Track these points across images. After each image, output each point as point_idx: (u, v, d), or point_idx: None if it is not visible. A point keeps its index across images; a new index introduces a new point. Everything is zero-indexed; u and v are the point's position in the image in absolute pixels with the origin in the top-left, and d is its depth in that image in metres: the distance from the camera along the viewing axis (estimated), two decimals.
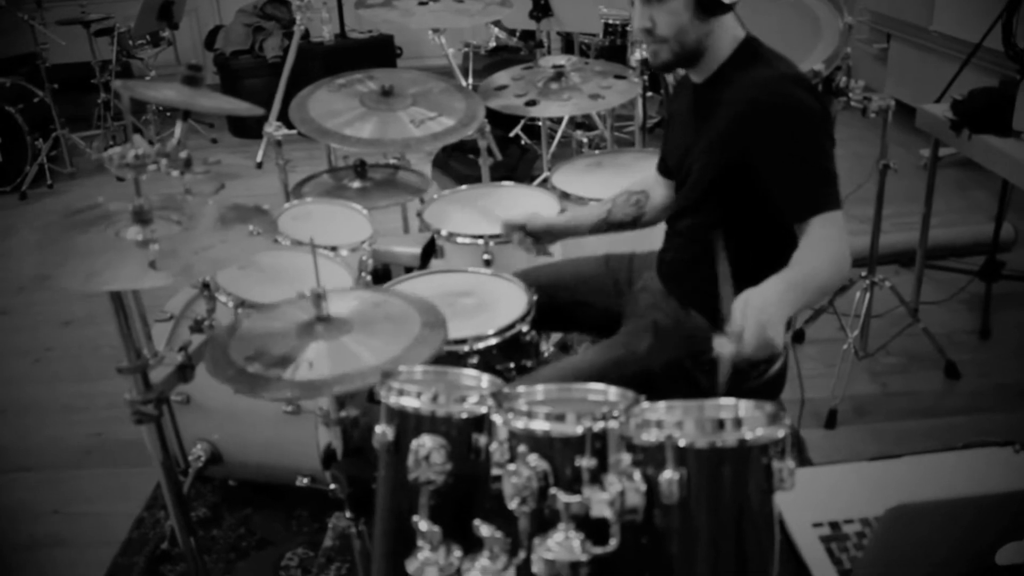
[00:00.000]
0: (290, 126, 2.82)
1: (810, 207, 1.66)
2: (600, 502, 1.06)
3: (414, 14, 3.23)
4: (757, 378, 1.90)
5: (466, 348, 1.96)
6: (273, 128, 3.12)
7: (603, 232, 2.21)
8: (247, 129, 6.08)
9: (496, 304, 2.13)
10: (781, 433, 1.08)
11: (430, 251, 2.57)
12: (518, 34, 5.61)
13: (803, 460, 2.63)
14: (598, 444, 1.10)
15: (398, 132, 2.68)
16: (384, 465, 1.28)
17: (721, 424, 1.06)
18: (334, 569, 2.31)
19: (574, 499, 1.07)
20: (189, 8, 6.32)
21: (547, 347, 2.37)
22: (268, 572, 2.36)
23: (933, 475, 1.54)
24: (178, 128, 1.64)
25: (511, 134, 5.07)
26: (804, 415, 2.69)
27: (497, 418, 1.16)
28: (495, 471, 1.14)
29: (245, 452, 2.40)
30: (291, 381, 1.49)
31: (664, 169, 2.15)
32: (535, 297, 2.11)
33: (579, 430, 1.10)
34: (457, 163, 4.58)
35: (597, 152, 3.28)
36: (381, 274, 2.50)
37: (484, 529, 1.14)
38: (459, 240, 2.47)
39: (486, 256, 2.41)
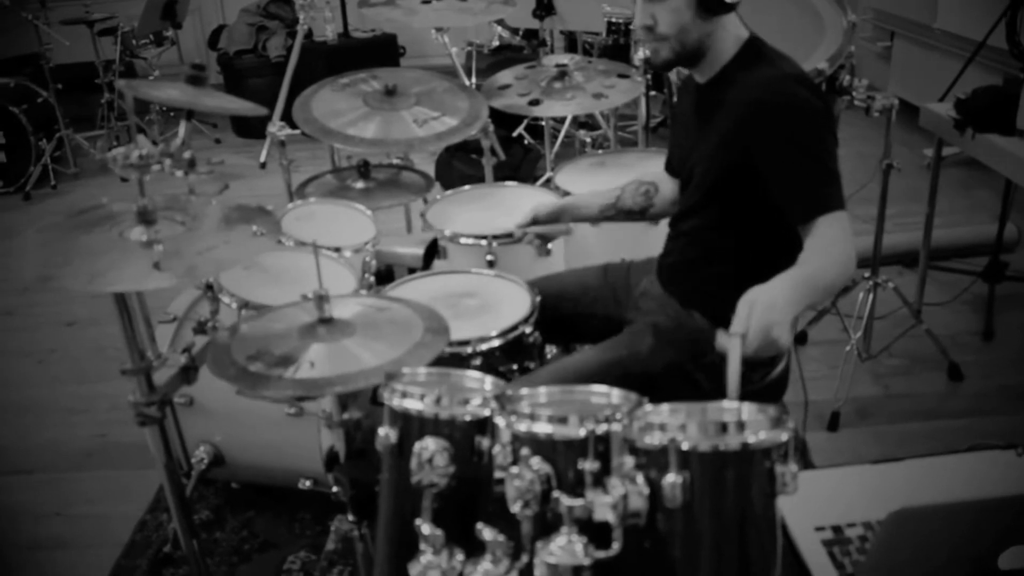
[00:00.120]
0: (293, 126, 2.83)
1: (815, 208, 1.66)
2: (603, 505, 1.05)
3: (417, 13, 3.22)
4: (760, 380, 1.91)
5: (469, 350, 1.96)
6: (277, 128, 3.12)
7: (611, 218, 2.20)
8: (251, 129, 6.09)
9: (499, 305, 2.13)
10: (784, 437, 1.08)
11: (433, 252, 2.56)
12: (521, 33, 5.61)
13: (806, 463, 2.62)
14: (601, 447, 1.10)
15: (401, 132, 2.68)
16: (387, 468, 1.28)
17: (724, 427, 1.06)
18: (336, 572, 2.31)
19: (577, 502, 1.07)
20: (192, 8, 6.33)
21: (550, 348, 2.36)
22: (270, 575, 2.36)
23: (936, 478, 1.54)
24: (182, 128, 1.65)
25: (514, 134, 5.07)
26: (807, 417, 2.68)
27: (500, 421, 1.16)
28: (498, 474, 1.14)
29: (248, 454, 2.40)
30: (292, 380, 1.49)
31: (671, 168, 2.15)
32: (538, 298, 2.11)
33: (582, 433, 1.10)
34: (460, 163, 4.58)
35: (600, 152, 3.28)
36: (384, 275, 2.49)
37: (487, 532, 1.14)
38: (462, 241, 2.47)
39: (489, 257, 2.41)
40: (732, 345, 1.42)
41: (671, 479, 1.06)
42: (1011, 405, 2.91)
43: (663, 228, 2.10)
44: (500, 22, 5.55)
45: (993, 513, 1.12)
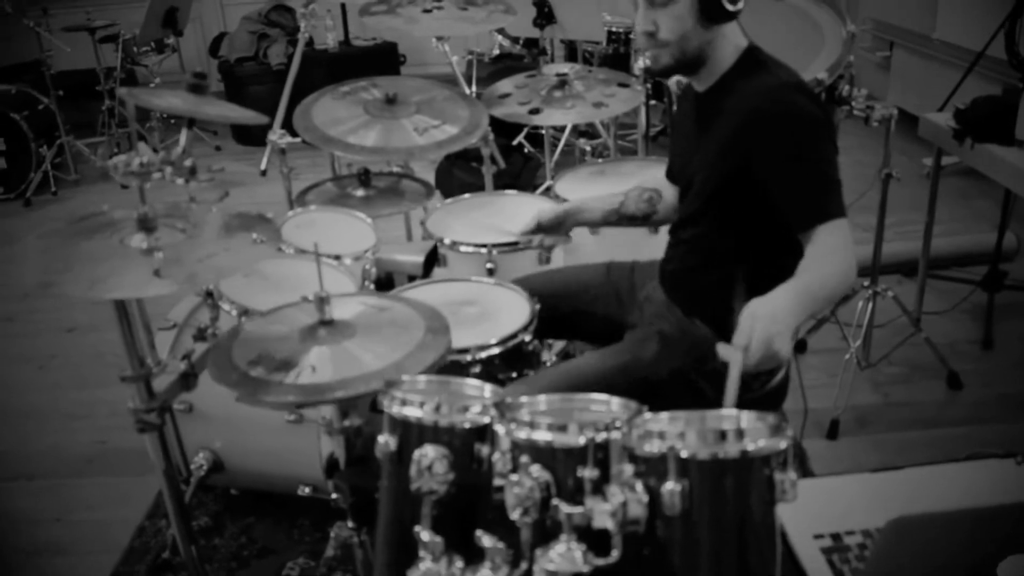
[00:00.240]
0: (294, 134, 2.83)
1: (815, 216, 1.66)
2: (602, 513, 1.06)
3: (418, 22, 3.23)
4: (759, 389, 1.91)
5: (469, 357, 1.96)
6: (277, 136, 3.13)
7: (614, 223, 2.21)
8: (251, 137, 6.10)
9: (499, 313, 2.13)
10: (783, 444, 1.08)
11: (433, 260, 2.57)
12: (522, 42, 5.62)
13: (805, 471, 2.62)
14: (600, 455, 1.10)
15: (402, 140, 2.68)
16: (386, 475, 1.28)
17: (723, 435, 1.06)
18: None
19: (576, 510, 1.07)
20: (194, 15, 6.34)
21: (549, 356, 2.36)
22: None
23: (935, 486, 1.54)
24: (183, 136, 1.65)
25: (514, 142, 5.07)
26: (806, 425, 2.69)
27: (500, 428, 1.17)
28: (497, 481, 1.14)
29: (247, 461, 2.40)
30: (293, 385, 1.49)
31: (671, 176, 2.15)
32: (538, 306, 2.11)
33: (581, 440, 1.10)
34: (460, 171, 4.58)
35: (600, 160, 3.28)
36: (384, 282, 2.50)
37: (486, 540, 1.14)
38: (462, 249, 2.47)
39: (489, 265, 2.41)
40: (734, 358, 1.43)
41: (670, 487, 1.06)
42: (1010, 414, 2.91)
43: (663, 235, 2.10)
44: (500, 31, 5.56)
45: (992, 521, 1.12)
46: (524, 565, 1.12)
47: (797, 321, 1.54)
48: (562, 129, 5.16)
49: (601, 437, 1.10)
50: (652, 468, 1.08)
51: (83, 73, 5.89)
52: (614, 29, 4.55)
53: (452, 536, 1.18)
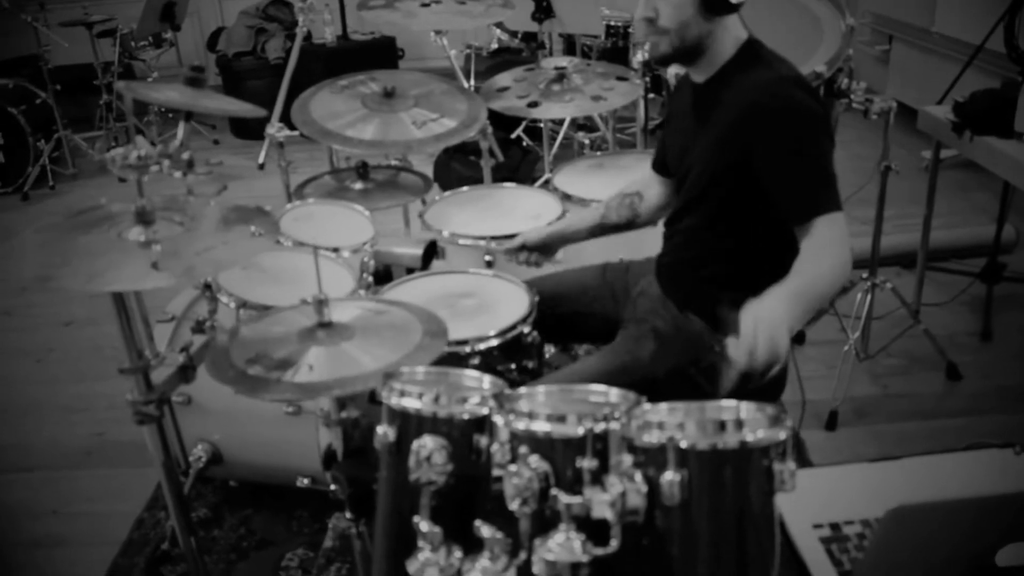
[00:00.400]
0: (292, 127, 2.83)
1: (811, 209, 1.67)
2: (601, 503, 1.06)
3: (416, 16, 3.22)
4: (758, 380, 1.91)
5: (467, 349, 1.96)
6: (275, 129, 3.12)
7: (600, 235, 2.22)
8: (249, 130, 6.09)
9: (497, 305, 2.13)
10: (782, 435, 1.08)
11: (431, 252, 2.57)
12: (520, 36, 5.61)
13: (804, 462, 2.63)
14: (599, 445, 1.10)
15: (400, 133, 2.68)
16: (385, 466, 1.28)
17: (722, 426, 1.06)
18: (334, 570, 2.31)
19: (575, 500, 1.07)
20: (191, 9, 6.33)
21: (549, 348, 2.37)
22: (268, 573, 2.36)
23: (934, 477, 1.54)
24: (180, 129, 1.65)
25: (513, 136, 5.07)
26: (805, 416, 2.69)
27: (498, 419, 1.16)
28: (496, 472, 1.14)
29: (246, 453, 2.40)
30: (291, 383, 1.49)
31: (660, 167, 2.15)
32: (536, 298, 2.11)
33: (580, 431, 1.10)
34: (459, 164, 4.58)
35: (599, 154, 3.28)
36: (382, 275, 2.49)
37: (485, 530, 1.14)
38: (461, 241, 2.47)
39: (488, 257, 2.41)
40: (739, 361, 1.46)
41: (669, 477, 1.06)
42: (1009, 405, 2.92)
43: (660, 228, 2.10)
44: (499, 25, 5.55)
45: (991, 511, 1.12)
46: (523, 555, 1.12)
47: (796, 320, 1.55)
48: (561, 122, 5.16)
49: (600, 427, 1.10)
50: (651, 458, 1.08)
51: (81, 68, 5.87)
52: (612, 23, 4.55)
53: (451, 526, 1.18)
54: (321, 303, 1.61)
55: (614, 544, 1.07)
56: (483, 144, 3.17)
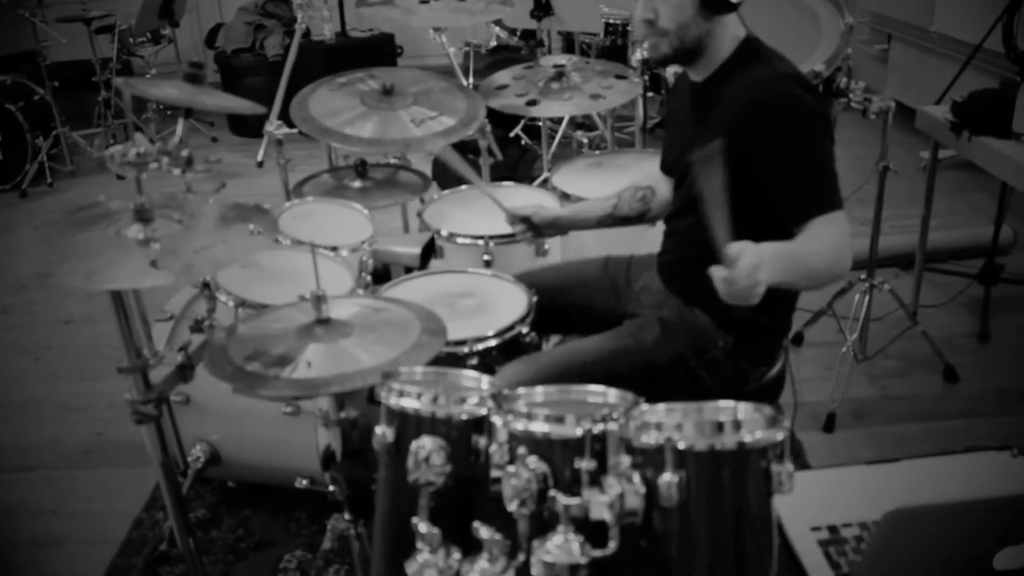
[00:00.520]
0: (291, 125, 2.82)
1: (812, 208, 1.67)
2: (599, 504, 1.06)
3: (415, 13, 3.22)
4: (757, 381, 1.92)
5: (466, 349, 1.96)
6: (274, 127, 3.12)
7: (609, 226, 2.21)
8: (248, 128, 6.08)
9: (496, 305, 2.13)
10: (780, 436, 1.08)
11: (430, 251, 2.57)
12: (519, 33, 5.61)
13: (801, 464, 2.63)
14: (597, 446, 1.10)
15: (399, 131, 2.68)
16: (384, 466, 1.28)
17: (720, 427, 1.07)
18: (333, 571, 2.31)
19: (573, 501, 1.07)
20: (190, 6, 6.31)
21: (546, 347, 2.36)
22: (266, 574, 2.36)
23: (931, 479, 1.54)
24: (179, 126, 1.64)
25: (511, 134, 5.07)
26: (802, 418, 2.69)
27: (497, 420, 1.16)
28: (495, 473, 1.15)
29: (244, 453, 2.40)
30: (289, 380, 1.49)
31: (667, 168, 2.15)
32: (535, 298, 2.11)
33: (578, 432, 1.10)
34: None
35: (597, 152, 3.28)
36: (381, 274, 2.50)
37: (483, 531, 1.14)
38: (459, 241, 2.47)
39: (486, 257, 2.41)
40: (717, 278, 1.49)
41: (667, 478, 1.06)
42: (1007, 407, 2.92)
43: (660, 227, 2.10)
44: (498, 22, 5.55)
45: (989, 513, 1.12)
46: (521, 556, 1.12)
47: (776, 277, 1.53)
48: (559, 121, 5.16)
49: (598, 428, 1.10)
50: (649, 459, 1.08)
51: (79, 64, 5.86)
52: (611, 21, 4.54)
53: (449, 527, 1.18)
54: (319, 299, 1.61)
55: (612, 545, 1.07)
56: (482, 143, 3.17)
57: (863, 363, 3.14)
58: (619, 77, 3.04)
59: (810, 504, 1.47)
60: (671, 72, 2.97)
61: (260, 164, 3.66)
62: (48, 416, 3.18)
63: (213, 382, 1.51)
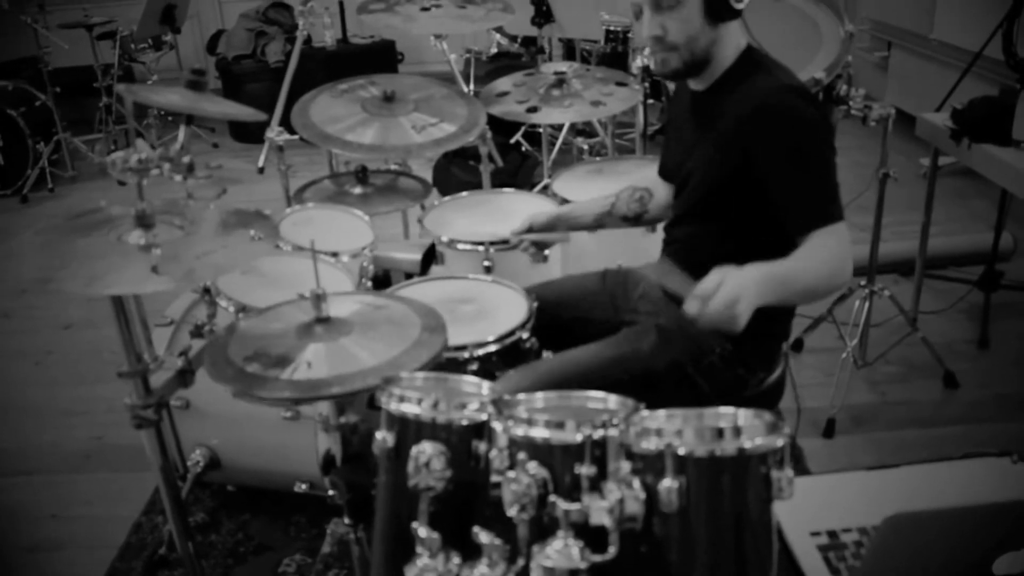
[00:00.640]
0: (292, 131, 2.83)
1: (813, 220, 1.67)
2: (599, 510, 1.06)
3: (416, 20, 3.23)
4: (756, 387, 1.91)
5: (466, 355, 1.96)
6: (275, 133, 3.13)
7: (606, 226, 2.22)
8: (249, 134, 6.09)
9: (496, 311, 2.13)
10: (780, 442, 1.08)
11: (430, 257, 2.57)
12: (520, 40, 5.62)
13: (801, 469, 2.63)
14: (597, 452, 1.11)
15: (399, 138, 2.68)
16: (384, 471, 1.28)
17: (720, 433, 1.07)
18: (332, 575, 2.31)
19: (573, 506, 1.07)
20: (191, 12, 6.34)
21: (547, 355, 2.36)
22: None
23: (931, 485, 1.54)
24: (181, 132, 1.65)
25: (512, 140, 5.08)
26: (802, 424, 2.69)
27: (497, 425, 1.17)
28: (495, 478, 1.15)
29: (244, 457, 2.40)
30: (289, 381, 1.49)
31: (665, 174, 2.16)
32: (535, 304, 2.11)
33: (579, 438, 1.10)
34: (458, 169, 4.59)
35: (598, 159, 3.28)
36: (381, 280, 2.50)
37: (483, 536, 1.14)
38: (459, 247, 2.47)
39: (486, 263, 2.41)
40: (691, 303, 1.53)
41: (667, 484, 1.06)
42: (1006, 413, 2.92)
43: (660, 234, 2.10)
44: (499, 29, 5.56)
45: (988, 519, 1.12)
46: (521, 561, 1.12)
47: (763, 301, 1.56)
48: (560, 127, 5.17)
49: (598, 434, 1.10)
50: (649, 465, 1.08)
51: (80, 70, 5.88)
52: (612, 28, 4.55)
53: (449, 532, 1.18)
54: (319, 298, 1.61)
55: (612, 551, 1.07)
56: (482, 149, 3.17)
57: (863, 369, 3.14)
58: (620, 84, 3.05)
59: (810, 509, 1.47)
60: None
61: (261, 170, 3.67)
62: (48, 420, 3.18)
63: (213, 387, 1.52)
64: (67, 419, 3.17)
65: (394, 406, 1.24)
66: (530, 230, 2.23)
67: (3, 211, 5.26)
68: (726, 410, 1.14)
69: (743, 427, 1.08)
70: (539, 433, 1.12)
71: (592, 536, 1.07)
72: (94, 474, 2.87)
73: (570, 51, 5.48)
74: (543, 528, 1.10)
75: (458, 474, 1.19)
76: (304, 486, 2.34)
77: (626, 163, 3.13)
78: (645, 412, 1.14)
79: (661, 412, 1.13)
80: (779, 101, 1.71)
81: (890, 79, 5.91)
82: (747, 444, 1.06)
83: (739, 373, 1.90)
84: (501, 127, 3.96)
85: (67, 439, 3.05)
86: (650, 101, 3.75)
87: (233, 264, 1.58)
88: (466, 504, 1.20)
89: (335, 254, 2.37)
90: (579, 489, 1.09)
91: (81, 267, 1.47)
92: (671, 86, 2.98)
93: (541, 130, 4.41)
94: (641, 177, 2.23)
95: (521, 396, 1.22)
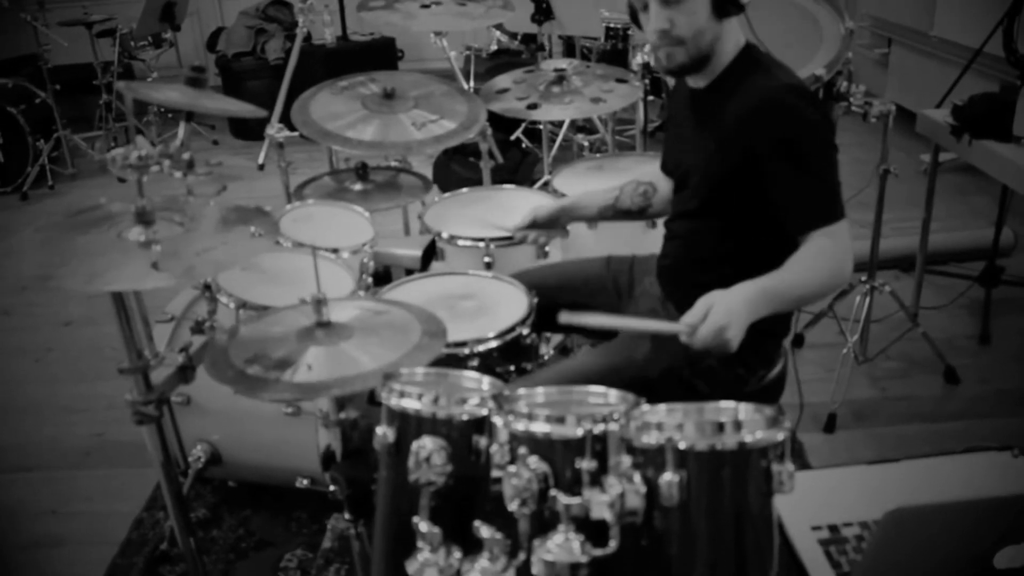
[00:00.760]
0: (292, 128, 2.83)
1: (811, 221, 1.67)
2: (600, 504, 1.06)
3: (416, 17, 3.23)
4: (757, 382, 1.91)
5: (466, 351, 1.96)
6: (275, 130, 3.13)
7: (609, 218, 2.21)
8: (249, 131, 6.09)
9: (496, 307, 2.13)
10: (781, 436, 1.08)
11: (431, 254, 2.57)
12: (520, 37, 5.62)
13: (802, 464, 2.63)
14: (598, 446, 1.11)
15: (399, 135, 2.68)
16: (385, 466, 1.28)
17: (721, 427, 1.07)
18: (333, 570, 2.31)
19: (574, 501, 1.07)
20: (191, 10, 6.33)
21: (547, 350, 2.37)
22: (267, 573, 2.36)
23: (932, 479, 1.54)
24: (181, 129, 1.65)
25: (512, 137, 5.08)
26: (803, 419, 2.69)
27: (498, 420, 1.17)
28: (495, 473, 1.15)
29: (245, 453, 2.40)
30: (290, 383, 1.49)
31: (667, 170, 2.15)
32: (535, 300, 2.11)
33: (579, 432, 1.10)
34: (458, 166, 4.59)
35: (598, 156, 3.28)
36: (382, 276, 2.50)
37: (484, 530, 1.14)
38: (460, 243, 2.47)
39: (487, 259, 2.41)
40: (681, 330, 1.58)
41: (668, 478, 1.06)
42: (1007, 408, 2.92)
43: (660, 229, 2.10)
44: (499, 26, 5.56)
45: (989, 513, 1.12)
46: (522, 556, 1.12)
47: (757, 316, 1.60)
48: (560, 124, 5.16)
49: (599, 429, 1.11)
50: (650, 459, 1.08)
51: (80, 67, 5.87)
52: (612, 25, 4.55)
53: (450, 527, 1.19)
54: (320, 302, 1.61)
55: (613, 545, 1.07)
56: (482, 146, 3.17)
57: (864, 364, 3.14)
58: (620, 81, 3.05)
59: (811, 504, 1.47)
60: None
61: (261, 167, 3.67)
62: (48, 417, 3.18)
63: (214, 383, 1.52)
64: (67, 416, 3.17)
65: (394, 402, 1.25)
66: (533, 223, 2.23)
67: (3, 208, 5.26)
68: (727, 404, 1.14)
69: (744, 421, 1.08)
70: (540, 428, 1.12)
71: (593, 530, 1.08)
72: (94, 470, 2.87)
73: (570, 48, 5.48)
74: (544, 522, 1.10)
75: (459, 469, 1.19)
76: (305, 482, 2.34)
77: (626, 159, 3.13)
78: (646, 406, 1.14)
79: (662, 406, 1.13)
80: (780, 100, 1.71)
81: (890, 76, 5.91)
82: (748, 438, 1.06)
83: (738, 373, 1.90)
84: (501, 124, 3.97)
85: (67, 435, 3.05)
86: (650, 98, 3.74)
87: (233, 260, 1.58)
88: (467, 499, 1.20)
89: (335, 250, 2.37)
90: (580, 483, 1.09)
91: (81, 264, 1.47)
92: (671, 83, 2.98)
93: (541, 127, 4.40)
94: (645, 172, 2.22)
95: (521, 391, 1.22)
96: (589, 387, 1.24)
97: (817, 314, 3.26)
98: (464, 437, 1.21)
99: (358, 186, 2.86)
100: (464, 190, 2.90)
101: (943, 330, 3.32)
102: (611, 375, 1.87)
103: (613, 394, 1.21)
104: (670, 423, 1.08)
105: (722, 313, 1.55)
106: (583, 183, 2.82)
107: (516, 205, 2.71)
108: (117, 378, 1.63)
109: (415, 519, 1.19)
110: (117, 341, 1.61)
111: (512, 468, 1.10)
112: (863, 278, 3.08)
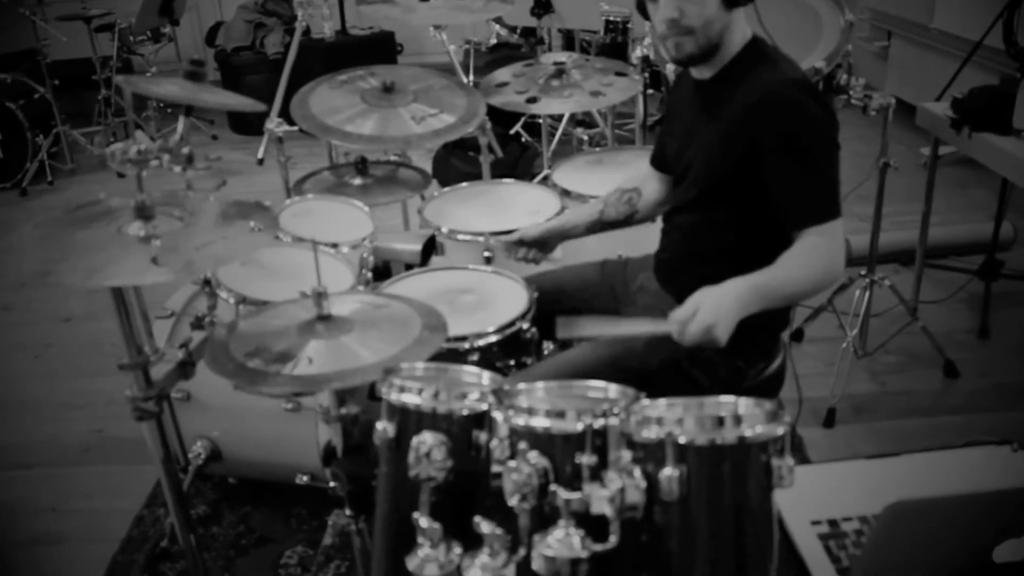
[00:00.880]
0: (291, 122, 2.83)
1: (807, 218, 1.68)
2: (600, 499, 1.06)
3: (415, 11, 3.22)
4: (756, 376, 1.92)
5: (466, 345, 1.96)
6: (274, 124, 3.12)
7: (598, 231, 2.22)
8: (248, 125, 6.08)
9: (496, 301, 2.13)
10: (780, 431, 1.08)
11: (431, 248, 2.57)
12: (519, 31, 5.61)
13: (802, 459, 2.63)
14: (598, 441, 1.11)
15: (399, 129, 2.68)
16: (385, 462, 1.28)
17: (721, 421, 1.07)
18: (333, 567, 2.31)
19: (574, 496, 1.07)
20: (190, 4, 6.32)
21: (547, 344, 2.36)
22: (267, 570, 2.36)
23: (931, 473, 1.54)
24: (180, 124, 1.65)
25: (512, 131, 5.07)
26: (803, 414, 2.69)
27: (498, 415, 1.17)
28: (495, 468, 1.15)
29: (245, 449, 2.40)
30: (290, 376, 1.49)
31: (659, 163, 2.15)
32: (535, 294, 2.11)
33: (579, 427, 1.10)
34: (458, 160, 4.58)
35: (598, 149, 3.28)
36: (382, 271, 2.49)
37: (484, 526, 1.14)
38: (459, 237, 2.47)
39: (486, 253, 2.41)
40: (670, 326, 1.60)
41: (668, 473, 1.06)
42: (1006, 402, 2.92)
43: (659, 224, 2.10)
44: (498, 20, 5.55)
45: (989, 507, 1.12)
46: (522, 551, 1.12)
47: (747, 313, 1.61)
48: (559, 118, 5.16)
49: (599, 423, 1.10)
50: (650, 454, 1.08)
51: (79, 62, 5.87)
52: (611, 18, 4.55)
53: (450, 522, 1.18)
54: (320, 296, 1.61)
55: (613, 540, 1.07)
56: (482, 140, 3.17)
57: (863, 359, 3.14)
58: (619, 74, 3.05)
59: (810, 498, 1.48)
60: (671, 69, 2.97)
61: (260, 161, 3.67)
62: (48, 414, 3.18)
63: (214, 379, 1.52)
64: (67, 412, 3.17)
65: (395, 396, 1.24)
66: (520, 242, 2.24)
67: (2, 204, 5.26)
68: (727, 399, 1.14)
69: (743, 415, 1.08)
70: (540, 422, 1.12)
71: (593, 525, 1.07)
72: (94, 467, 2.87)
73: (569, 42, 5.47)
74: (544, 518, 1.10)
75: (459, 464, 1.19)
76: (305, 478, 2.34)
77: (626, 153, 3.12)
78: (646, 401, 1.14)
79: (662, 401, 1.13)
80: (785, 94, 1.71)
81: (890, 68, 5.90)
82: (748, 432, 1.06)
83: (738, 365, 1.90)
84: (501, 118, 3.97)
85: (67, 432, 3.05)
86: (650, 91, 3.74)
87: (233, 255, 1.58)
88: (467, 494, 1.20)
89: (335, 245, 2.37)
90: (580, 478, 1.09)
91: (81, 259, 1.47)
92: (671, 76, 2.97)
93: (541, 121, 4.39)
94: (630, 176, 2.22)
95: (521, 386, 1.22)
96: (589, 382, 1.23)
97: (816, 308, 3.25)
98: (464, 432, 1.21)
99: (357, 181, 2.86)
100: (464, 184, 2.90)
101: (943, 324, 3.32)
102: (611, 366, 1.88)
103: (613, 389, 1.21)
104: (670, 418, 1.08)
105: (710, 311, 1.57)
106: (582, 177, 2.82)
107: (516, 199, 2.71)
108: (117, 374, 1.63)
109: (415, 515, 1.19)
110: (117, 337, 1.61)
111: (512, 463, 1.10)
112: (863, 272, 3.08)
